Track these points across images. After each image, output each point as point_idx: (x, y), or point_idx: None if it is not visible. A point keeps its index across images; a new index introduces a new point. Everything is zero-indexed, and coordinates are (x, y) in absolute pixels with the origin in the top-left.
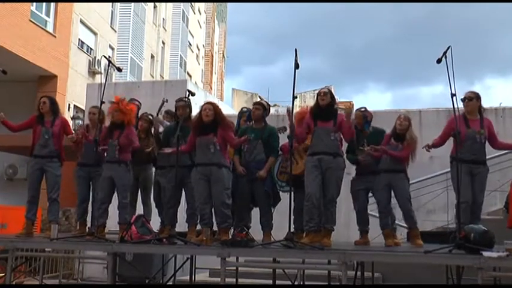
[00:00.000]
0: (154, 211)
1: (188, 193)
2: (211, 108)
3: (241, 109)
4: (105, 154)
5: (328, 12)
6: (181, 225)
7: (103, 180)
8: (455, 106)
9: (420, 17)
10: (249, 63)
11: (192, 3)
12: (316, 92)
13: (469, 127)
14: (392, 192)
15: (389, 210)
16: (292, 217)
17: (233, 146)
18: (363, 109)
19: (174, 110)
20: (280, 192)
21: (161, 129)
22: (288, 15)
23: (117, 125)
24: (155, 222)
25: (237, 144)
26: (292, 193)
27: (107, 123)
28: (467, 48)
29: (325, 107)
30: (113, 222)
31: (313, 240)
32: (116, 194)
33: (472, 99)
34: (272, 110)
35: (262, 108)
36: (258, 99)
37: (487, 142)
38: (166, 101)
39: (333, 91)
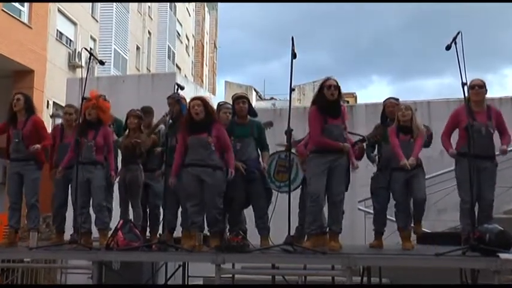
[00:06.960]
0: None
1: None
2: (200, 104)
3: (219, 103)
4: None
5: (331, 4)
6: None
7: (81, 185)
8: (467, 96)
9: (429, 4)
10: (248, 58)
11: None
12: (317, 83)
13: (475, 120)
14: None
15: (408, 209)
16: (292, 218)
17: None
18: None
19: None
20: (279, 193)
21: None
22: (289, 7)
23: (92, 123)
24: None
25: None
26: (301, 189)
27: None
28: (478, 34)
29: (335, 102)
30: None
31: (316, 244)
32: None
33: (483, 87)
34: (269, 104)
35: (248, 101)
36: (254, 93)
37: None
38: (167, 115)
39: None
